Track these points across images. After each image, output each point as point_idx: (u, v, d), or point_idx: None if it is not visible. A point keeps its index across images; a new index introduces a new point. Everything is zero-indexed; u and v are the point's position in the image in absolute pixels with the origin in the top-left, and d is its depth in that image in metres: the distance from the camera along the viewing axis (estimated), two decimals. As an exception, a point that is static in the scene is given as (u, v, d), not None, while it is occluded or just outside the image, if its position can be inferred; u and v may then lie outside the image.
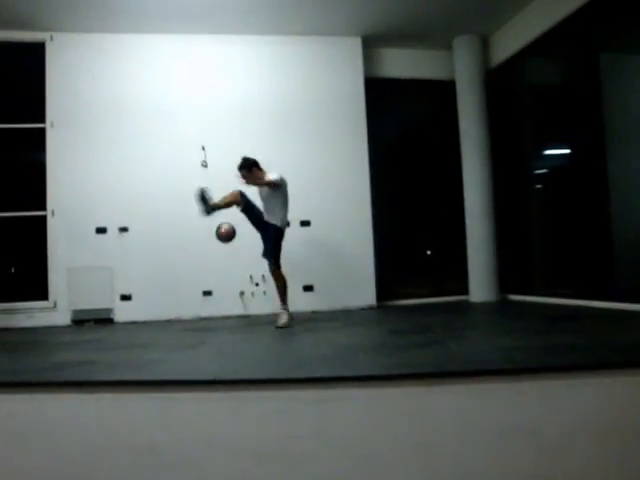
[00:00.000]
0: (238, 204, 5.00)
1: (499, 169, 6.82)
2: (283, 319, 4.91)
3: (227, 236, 5.06)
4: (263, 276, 6.03)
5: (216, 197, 4.94)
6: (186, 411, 2.33)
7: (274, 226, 5.00)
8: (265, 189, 5.02)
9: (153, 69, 6.37)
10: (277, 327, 4.84)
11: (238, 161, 4.97)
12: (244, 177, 5.00)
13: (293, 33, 6.50)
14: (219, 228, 5.07)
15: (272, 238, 5.00)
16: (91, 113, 6.19)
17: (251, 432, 2.27)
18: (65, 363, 3.17)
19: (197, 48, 6.47)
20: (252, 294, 6.14)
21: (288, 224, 5.15)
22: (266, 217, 5.06)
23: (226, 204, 4.97)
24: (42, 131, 6.15)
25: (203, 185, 4.97)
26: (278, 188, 4.99)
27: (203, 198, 4.91)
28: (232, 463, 2.24)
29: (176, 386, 2.41)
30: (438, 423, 2.24)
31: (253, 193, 5.14)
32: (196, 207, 4.92)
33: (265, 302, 6.00)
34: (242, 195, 5.00)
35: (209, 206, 4.91)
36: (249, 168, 4.96)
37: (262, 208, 5.12)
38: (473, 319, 5.37)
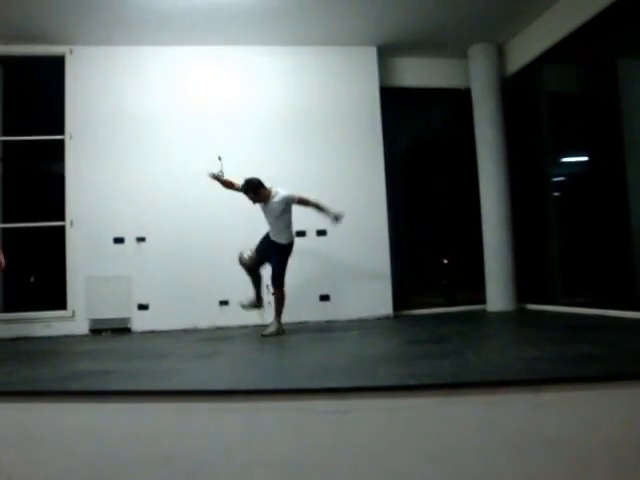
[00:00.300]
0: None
1: (516, 177, 6.77)
2: (271, 329, 5.08)
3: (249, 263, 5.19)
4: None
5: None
6: (202, 421, 2.33)
7: (282, 246, 5.09)
8: (275, 208, 5.01)
9: (170, 80, 6.43)
10: (263, 335, 5.00)
11: (250, 176, 5.04)
12: (252, 200, 5.06)
13: (308, 43, 6.53)
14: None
15: (278, 261, 5.09)
16: (109, 124, 6.27)
17: (267, 442, 2.26)
18: (83, 372, 3.19)
19: (213, 59, 6.52)
20: (269, 303, 6.11)
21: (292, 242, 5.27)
22: (273, 236, 5.12)
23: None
24: (61, 143, 6.24)
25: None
26: (289, 205, 5.07)
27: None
28: (248, 473, 2.23)
29: (192, 396, 2.41)
30: (457, 434, 2.21)
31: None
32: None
33: (281, 311, 6.01)
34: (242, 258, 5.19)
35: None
36: (255, 190, 4.98)
37: (269, 226, 5.17)
38: (491, 329, 5.32)
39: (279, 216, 5.01)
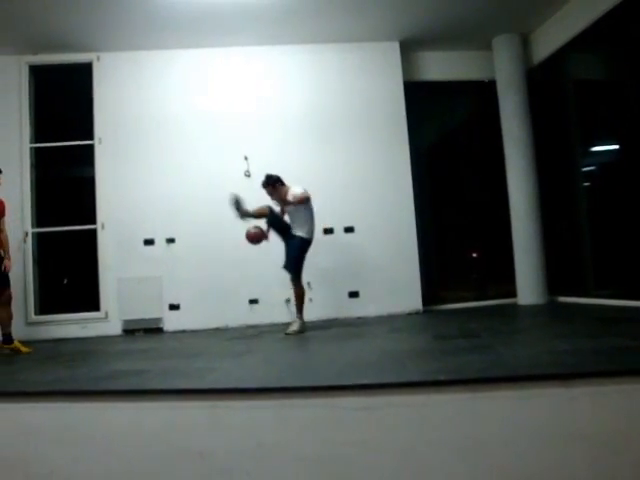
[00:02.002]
0: (266, 216, 5.18)
1: (544, 168, 6.67)
2: (294, 327, 5.11)
3: (255, 238, 5.19)
4: (308, 283, 6.07)
5: (251, 206, 5.16)
6: (235, 418, 2.37)
7: (300, 238, 5.16)
8: (290, 205, 5.16)
9: (194, 82, 6.51)
10: (287, 333, 5.05)
11: (275, 172, 5.23)
12: (269, 194, 5.22)
13: (331, 41, 6.53)
14: (248, 231, 5.20)
15: (297, 249, 5.15)
16: (137, 128, 6.38)
17: (299, 439, 2.29)
18: (120, 372, 3.27)
19: (237, 60, 6.57)
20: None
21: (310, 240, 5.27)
22: (293, 230, 5.22)
23: (257, 215, 5.16)
24: (91, 147, 6.36)
25: (237, 193, 5.14)
26: (304, 202, 5.12)
27: (237, 204, 5.10)
28: (279, 469, 2.27)
29: (225, 394, 2.46)
30: (487, 429, 2.21)
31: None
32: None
33: (310, 309, 5.98)
34: (271, 210, 5.18)
35: (242, 212, 5.10)
36: (273, 185, 5.18)
37: (289, 221, 5.28)
38: (522, 323, 5.27)
39: (294, 212, 5.18)
